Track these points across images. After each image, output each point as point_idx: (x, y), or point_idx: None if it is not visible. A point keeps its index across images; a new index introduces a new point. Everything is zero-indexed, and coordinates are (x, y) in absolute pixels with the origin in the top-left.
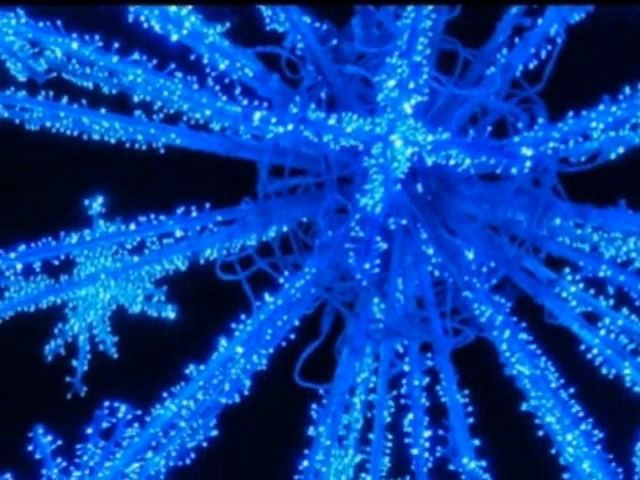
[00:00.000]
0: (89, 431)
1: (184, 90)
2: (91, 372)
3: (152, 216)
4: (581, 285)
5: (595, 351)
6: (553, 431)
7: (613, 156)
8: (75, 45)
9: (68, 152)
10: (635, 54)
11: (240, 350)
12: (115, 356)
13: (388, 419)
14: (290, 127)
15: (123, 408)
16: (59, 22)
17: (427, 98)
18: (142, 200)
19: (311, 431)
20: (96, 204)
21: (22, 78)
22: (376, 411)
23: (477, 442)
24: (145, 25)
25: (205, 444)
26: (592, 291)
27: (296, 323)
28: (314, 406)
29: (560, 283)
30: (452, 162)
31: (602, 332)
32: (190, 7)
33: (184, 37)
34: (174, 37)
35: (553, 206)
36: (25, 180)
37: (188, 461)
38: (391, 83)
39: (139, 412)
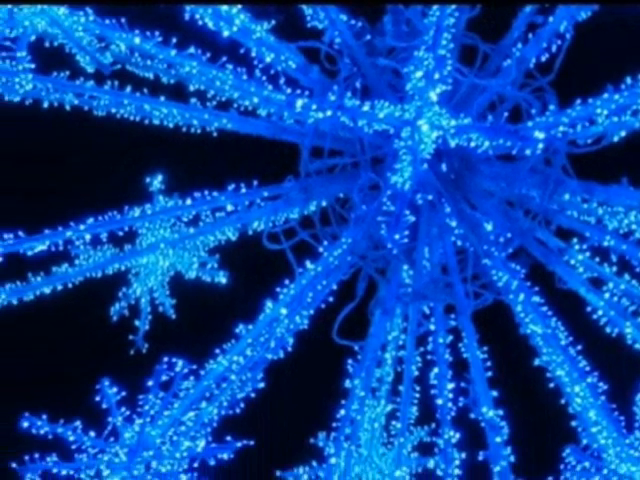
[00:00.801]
0: (150, 383)
1: (234, 80)
2: (151, 331)
3: (206, 192)
4: (587, 253)
5: (600, 312)
6: (562, 383)
7: (616, 139)
8: (137, 40)
9: (131, 136)
10: (635, 49)
11: (284, 311)
12: (173, 317)
13: (416, 373)
14: (329, 113)
15: (180, 363)
16: (123, 20)
17: (450, 87)
18: (197, 178)
19: (347, 383)
20: (156, 182)
21: (90, 70)
22: (405, 366)
23: (495, 393)
24: (200, 22)
25: (253, 395)
26: (597, 259)
27: (334, 287)
28: (350, 361)
29: (569, 252)
30: (473, 144)
31: (606, 295)
32: (239, 6)
33: (234, 33)
34: (225, 33)
35: (562, 183)
36: (93, 161)
37: (238, 410)
38: (418, 74)
39: (194, 367)
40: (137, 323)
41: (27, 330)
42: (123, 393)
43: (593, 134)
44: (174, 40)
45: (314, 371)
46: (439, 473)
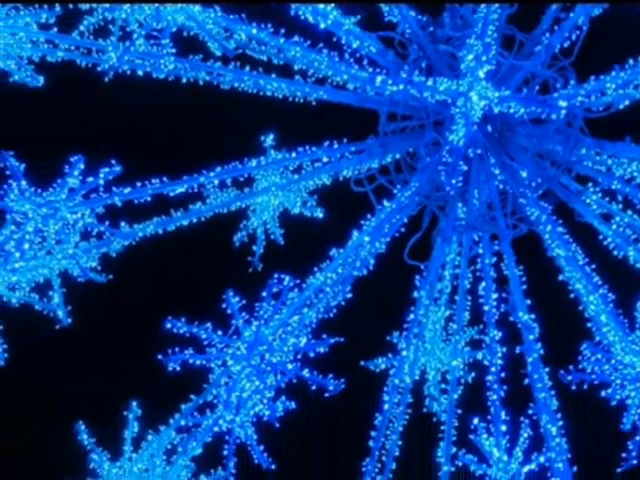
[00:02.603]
0: (264, 294)
1: (329, 61)
2: (265, 254)
3: (307, 147)
4: (599, 194)
5: (609, 240)
6: (580, 294)
7: (622, 107)
8: (254, 31)
9: (249, 104)
10: (635, 38)
11: (367, 239)
12: (282, 243)
13: (468, 286)
14: (401, 87)
15: (287, 279)
16: (243, 15)
17: (494, 67)
18: (300, 136)
19: (415, 294)
20: (269, 139)
21: (218, 53)
22: (459, 280)
23: (528, 301)
24: (302, 17)
25: (343, 303)
26: (607, 198)
27: (405, 220)
28: (417, 277)
29: (585, 193)
30: (511, 110)
31: (614, 227)
32: (333, 4)
33: (329, 25)
34: (322, 25)
35: (580, 141)
36: (221, 124)
37: (331, 315)
38: (470, 57)
39: (298, 281)
40: (254, 248)
41: (170, 254)
42: (243, 301)
43: (604, 103)
44: (282, 30)
45: (389, 285)
46: (485, 363)
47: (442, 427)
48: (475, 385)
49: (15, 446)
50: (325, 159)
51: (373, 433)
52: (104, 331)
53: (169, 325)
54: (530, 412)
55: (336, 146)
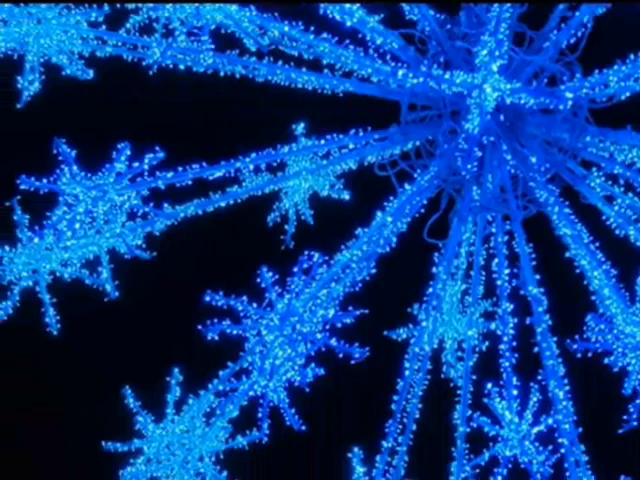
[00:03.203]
0: (295, 269)
1: (354, 56)
2: (296, 233)
3: (335, 135)
4: (602, 178)
5: (611, 220)
6: (585, 269)
7: (623, 98)
8: (286, 28)
9: (282, 96)
10: (636, 34)
11: (389, 219)
12: (312, 223)
13: (482, 262)
14: (421, 79)
15: (316, 255)
16: (276, 14)
17: (506, 61)
18: (328, 125)
19: (434, 270)
20: (300, 127)
21: (253, 49)
22: (474, 257)
23: (538, 276)
24: (330, 16)
25: (367, 278)
26: (610, 182)
27: (424, 202)
28: (436, 254)
29: (589, 177)
30: (522, 101)
31: (616, 208)
32: (358, 4)
33: (354, 23)
34: (348, 23)
35: (585, 129)
36: (255, 114)
37: (357, 288)
38: (484, 52)
39: (326, 258)
40: (286, 227)
41: (209, 233)
42: (276, 276)
43: (607, 94)
44: (312, 28)
45: (411, 261)
46: (498, 333)
47: (458, 392)
48: (489, 353)
49: (67, 411)
50: (351, 146)
51: (395, 397)
52: (149, 304)
53: (208, 298)
54: (539, 378)
55: (361, 134)
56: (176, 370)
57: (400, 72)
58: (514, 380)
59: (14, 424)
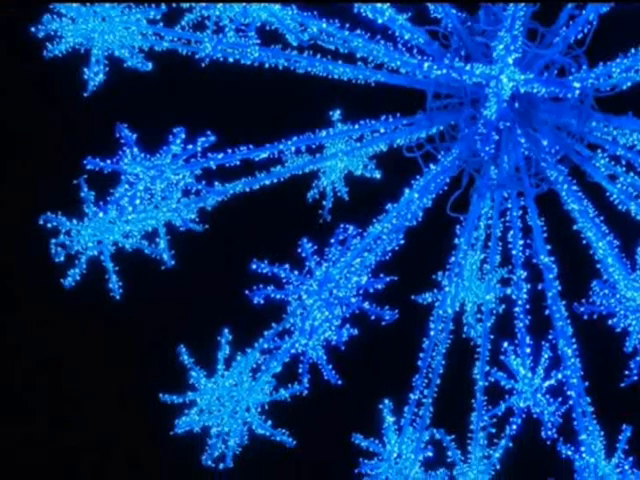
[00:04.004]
0: (332, 241)
1: (385, 50)
2: (333, 208)
3: (367, 120)
4: (607, 159)
5: (614, 196)
6: (591, 240)
7: (625, 87)
8: (324, 25)
9: (320, 85)
10: (636, 30)
11: (416, 195)
12: (347, 199)
13: (499, 234)
14: (444, 71)
15: (351, 228)
16: (315, 12)
17: (521, 55)
18: (362, 111)
19: (456, 241)
20: (336, 114)
21: (294, 44)
22: (492, 230)
23: (548, 246)
24: (363, 14)
25: (397, 248)
26: (613, 162)
27: (447, 180)
28: (457, 227)
29: (595, 158)
30: (535, 90)
31: (618, 186)
32: (388, 4)
33: (385, 20)
34: (379, 20)
35: (591, 115)
36: (297, 101)
37: (387, 257)
38: (501, 46)
39: (360, 230)
40: (324, 203)
41: (255, 208)
42: (315, 247)
43: (610, 84)
44: (347, 25)
45: (435, 233)
46: (513, 297)
47: (478, 349)
48: (505, 315)
49: (129, 368)
50: (382, 130)
51: (421, 354)
52: (201, 272)
53: (254, 267)
54: (550, 337)
55: (391, 119)
56: (226, 330)
57: (426, 64)
58: (527, 339)
59: (83, 379)
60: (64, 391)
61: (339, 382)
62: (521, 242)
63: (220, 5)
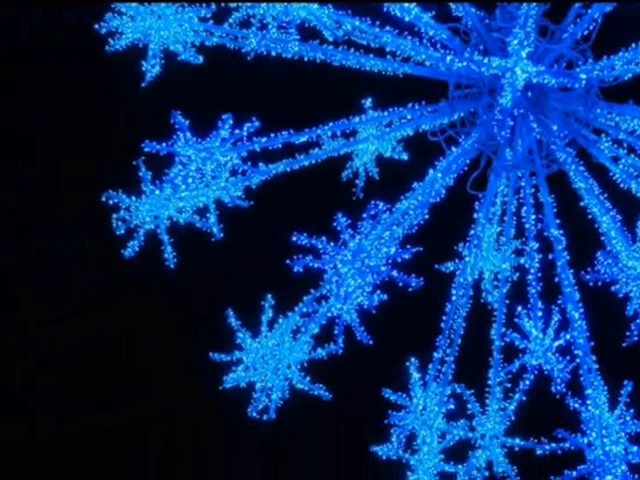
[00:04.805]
0: (364, 216)
1: (412, 45)
2: (365, 186)
3: (396, 107)
4: (610, 142)
5: (617, 176)
6: (595, 215)
7: (626, 78)
8: (357, 22)
9: (353, 77)
10: (636, 27)
11: (439, 175)
12: (377, 178)
13: (513, 209)
14: (464, 63)
15: (381, 204)
16: (349, 11)
17: (533, 49)
18: (390, 100)
19: (475, 215)
20: (368, 102)
21: (330, 39)
22: (507, 205)
23: (558, 221)
24: (392, 13)
25: (422, 222)
26: (615, 145)
27: (467, 161)
28: (476, 203)
29: (599, 141)
30: (545, 81)
31: (620, 166)
32: (415, 3)
33: (411, 18)
34: (406, 19)
35: (596, 103)
36: (332, 91)
37: (413, 231)
38: (515, 42)
39: (389, 206)
40: (357, 182)
41: (295, 186)
42: (349, 221)
43: (613, 75)
44: (377, 22)
45: (456, 208)
46: (526, 266)
47: (494, 313)
48: (519, 282)
49: (182, 330)
50: (409, 116)
51: (444, 317)
52: (247, 244)
53: (295, 239)
54: (559, 302)
55: (417, 107)
56: (269, 296)
57: (448, 58)
58: (539, 304)
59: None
60: (129, 351)
61: (370, 342)
62: (533, 217)
63: (264, 5)
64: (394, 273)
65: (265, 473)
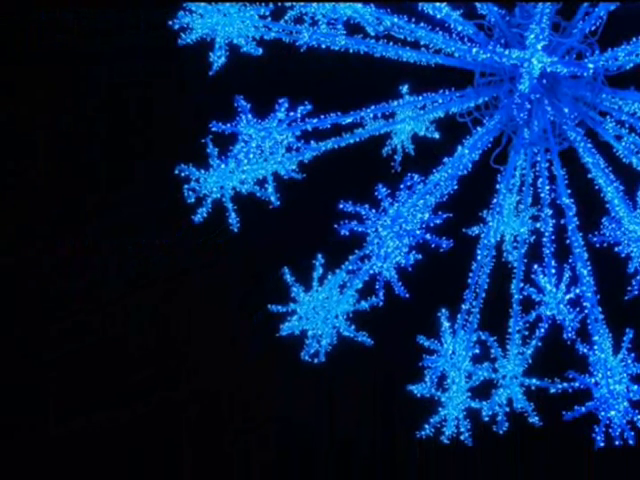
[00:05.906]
0: (401, 186)
1: (443, 39)
2: (402, 161)
3: (429, 93)
4: (614, 123)
5: (620, 152)
6: (601, 186)
7: (628, 68)
8: (396, 19)
9: (387, 66)
10: (637, 24)
11: (467, 151)
12: (413, 154)
13: (530, 181)
14: (488, 55)
15: (416, 176)
16: (389, 9)
17: (547, 43)
18: (424, 86)
19: (497, 186)
20: (405, 88)
21: (372, 34)
22: (525, 177)
23: (569, 190)
24: (425, 11)
25: (448, 196)
26: (619, 125)
27: (491, 140)
28: (498, 175)
29: (605, 122)
30: (558, 70)
31: (623, 144)
32: (445, 3)
33: (442, 16)
34: (438, 16)
35: (602, 89)
36: (375, 79)
37: (444, 199)
38: (532, 36)
39: (423, 178)
40: (395, 157)
41: (343, 161)
42: (389, 191)
43: (617, 65)
44: (413, 19)
45: (481, 180)
46: (542, 230)
47: (514, 271)
48: (535, 244)
49: (242, 287)
50: (440, 101)
51: (470, 274)
52: (300, 210)
53: (342, 206)
54: (570, 261)
55: (447, 92)
56: (319, 255)
57: (474, 50)
58: (552, 262)
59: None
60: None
61: (407, 296)
62: (547, 187)
63: (315, 4)
64: (427, 236)
65: (318, 408)
